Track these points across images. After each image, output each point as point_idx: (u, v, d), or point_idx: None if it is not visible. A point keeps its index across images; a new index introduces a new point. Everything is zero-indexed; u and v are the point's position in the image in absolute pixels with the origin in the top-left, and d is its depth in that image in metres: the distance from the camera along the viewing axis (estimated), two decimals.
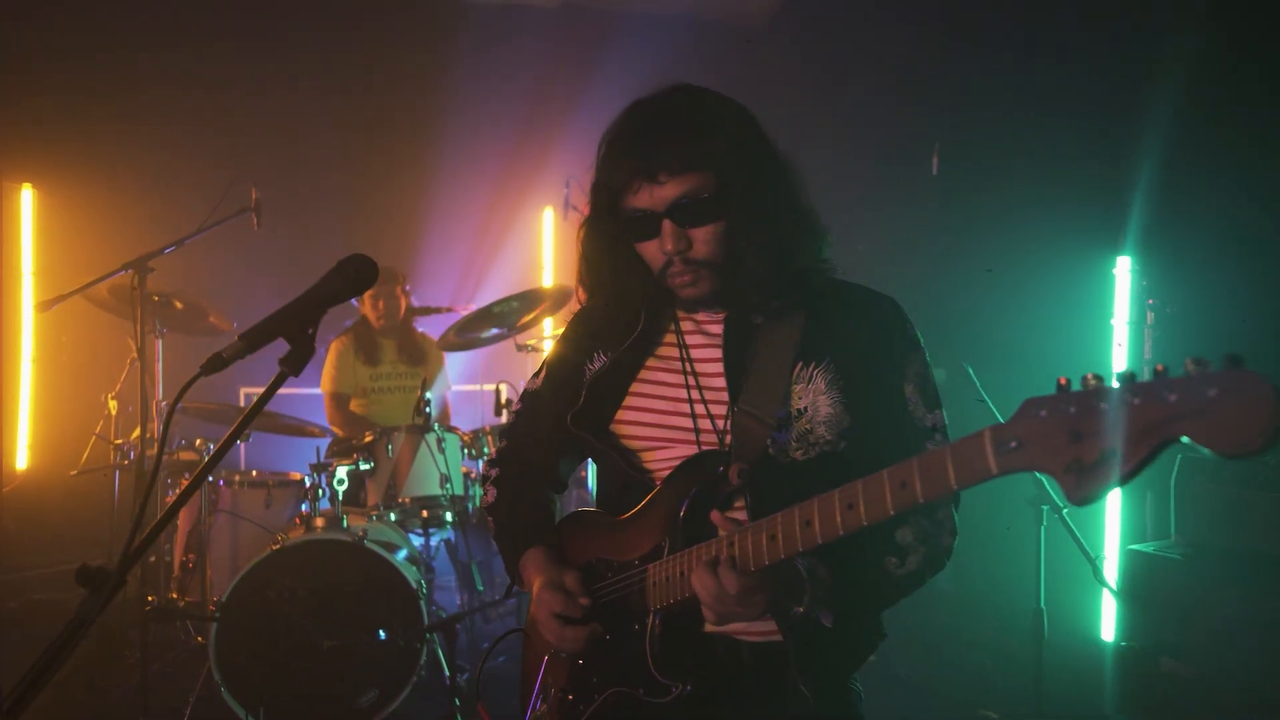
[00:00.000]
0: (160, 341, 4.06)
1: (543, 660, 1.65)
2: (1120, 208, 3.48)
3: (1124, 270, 3.48)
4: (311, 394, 5.05)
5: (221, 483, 4.03)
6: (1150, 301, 3.29)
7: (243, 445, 5.06)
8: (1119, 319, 3.47)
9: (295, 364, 1.39)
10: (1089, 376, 1.00)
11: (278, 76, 5.57)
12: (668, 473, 1.51)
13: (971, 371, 3.07)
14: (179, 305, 4.13)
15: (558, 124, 5.47)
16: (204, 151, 5.35)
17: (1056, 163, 3.97)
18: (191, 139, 5.46)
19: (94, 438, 4.37)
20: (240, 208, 3.82)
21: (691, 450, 1.51)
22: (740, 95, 1.55)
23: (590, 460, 1.84)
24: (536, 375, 1.80)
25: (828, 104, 5.08)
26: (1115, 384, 0.97)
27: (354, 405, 4.71)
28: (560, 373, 1.72)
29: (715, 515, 1.39)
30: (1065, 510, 3.01)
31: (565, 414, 1.62)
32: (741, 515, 1.43)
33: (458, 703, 3.41)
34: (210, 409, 4.34)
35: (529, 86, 5.79)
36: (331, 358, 4.71)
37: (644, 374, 1.61)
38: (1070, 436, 0.99)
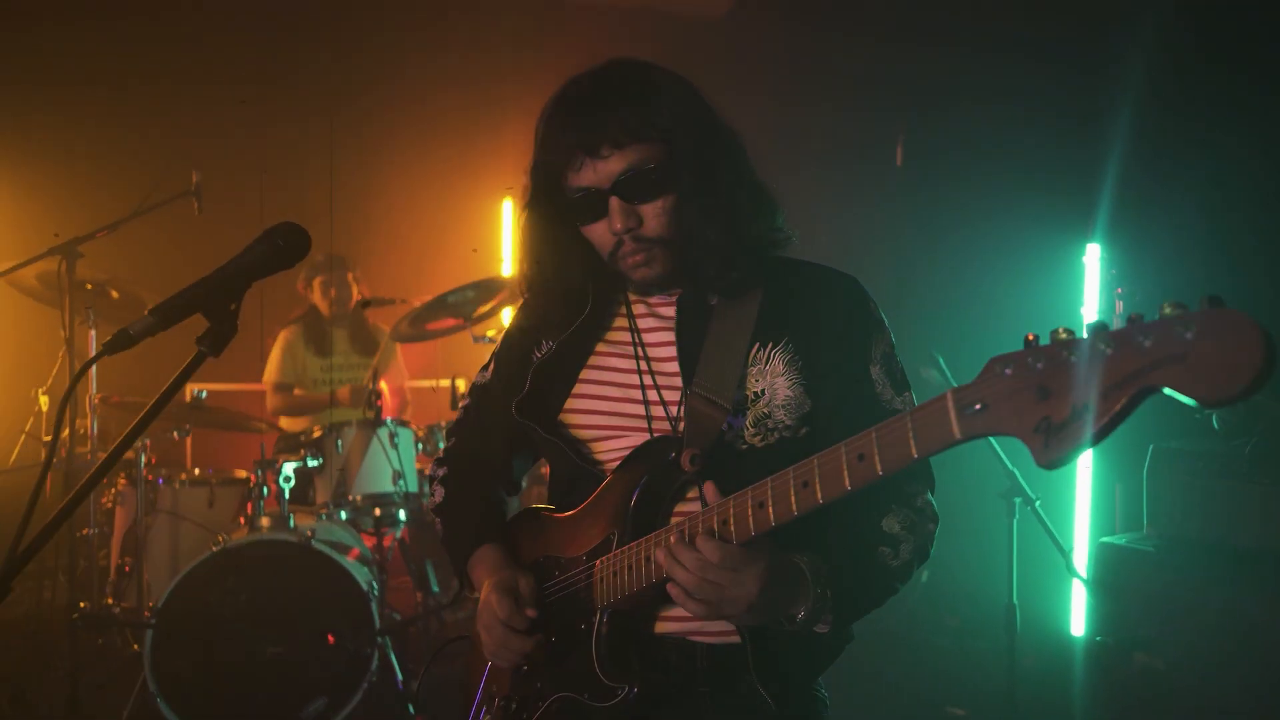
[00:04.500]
0: (93, 333, 3.84)
1: (486, 666, 1.56)
2: (1089, 195, 3.45)
3: (1093, 259, 3.44)
4: (255, 390, 4.86)
5: (161, 481, 3.84)
6: (1119, 290, 3.26)
7: (188, 441, 4.84)
8: (1088, 308, 3.44)
9: (215, 344, 1.25)
10: (1059, 330, 0.93)
11: (223, 54, 5.35)
12: (619, 463, 1.42)
13: (942, 361, 3.00)
14: (114, 294, 3.92)
15: (516, 111, 5.33)
16: (141, 132, 5.10)
17: (1024, 150, 3.94)
18: (127, 118, 5.20)
19: (24, 435, 4.16)
20: (181, 191, 3.63)
21: (644, 439, 1.42)
22: (701, 87, 1.47)
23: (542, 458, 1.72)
24: (485, 369, 1.69)
25: (789, 95, 5.02)
26: (1085, 335, 0.90)
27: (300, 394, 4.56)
28: (508, 364, 1.62)
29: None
30: (1038, 503, 2.95)
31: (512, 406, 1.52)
32: (696, 505, 1.34)
33: (411, 709, 3.28)
34: (146, 405, 4.13)
35: (486, 73, 5.65)
36: (278, 348, 4.54)
37: (594, 360, 1.52)
38: (1038, 394, 0.92)
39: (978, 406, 0.97)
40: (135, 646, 3.73)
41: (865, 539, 1.35)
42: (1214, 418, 2.66)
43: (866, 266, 1.49)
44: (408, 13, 5.52)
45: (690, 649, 1.39)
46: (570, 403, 1.51)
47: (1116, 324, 0.87)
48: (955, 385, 1.01)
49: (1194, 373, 0.83)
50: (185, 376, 1.25)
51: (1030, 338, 0.95)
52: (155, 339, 1.20)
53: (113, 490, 3.99)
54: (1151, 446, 2.81)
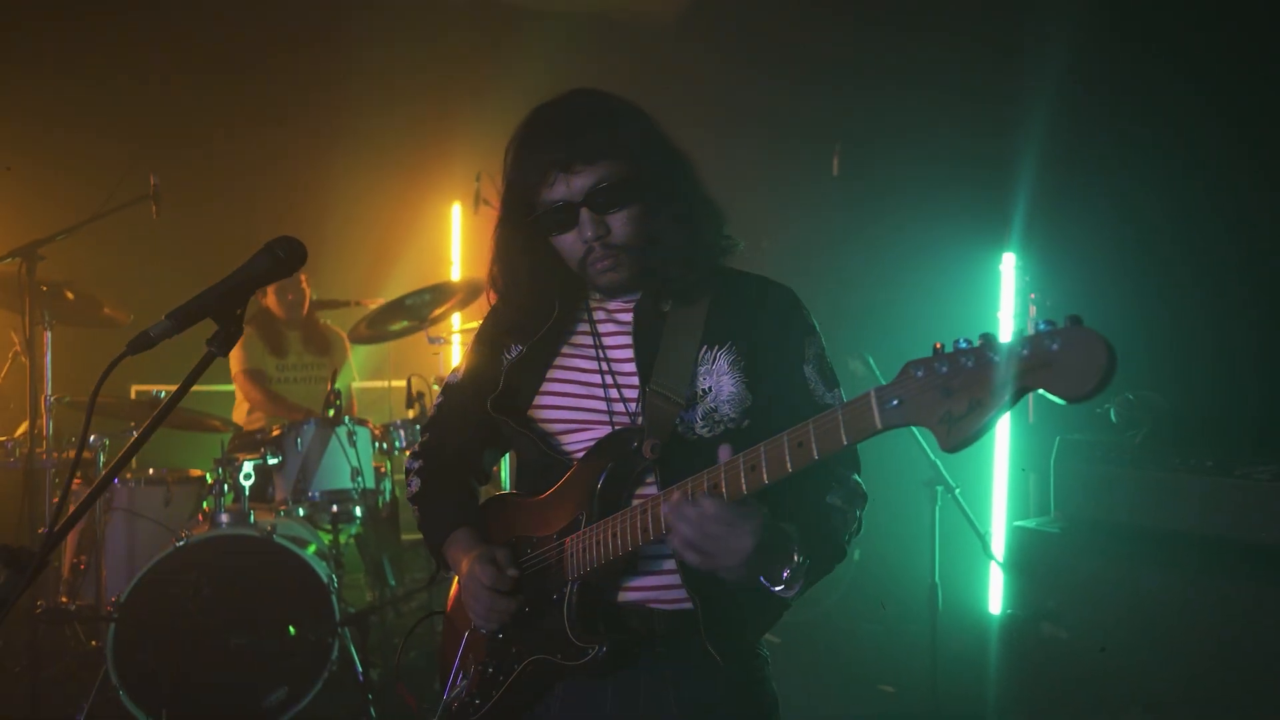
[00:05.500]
0: (49, 334, 3.87)
1: (463, 638, 1.71)
2: (1007, 204, 3.70)
3: (1009, 266, 3.70)
4: (208, 390, 4.90)
5: (117, 480, 3.87)
6: (1032, 296, 3.52)
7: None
8: (1004, 312, 3.70)
9: (223, 344, 1.39)
10: (959, 340, 1.15)
11: (179, 60, 5.37)
12: (584, 453, 1.59)
13: (872, 361, 3.24)
14: (70, 296, 3.94)
15: (466, 118, 5.43)
16: (99, 136, 5.10)
17: (948, 164, 4.17)
18: (86, 123, 5.20)
19: None
20: (138, 195, 3.68)
21: (606, 431, 1.60)
22: (646, 93, 1.65)
23: (510, 450, 1.89)
24: (457, 370, 1.85)
25: (733, 103, 5.15)
26: (979, 344, 1.13)
27: None
28: (479, 364, 1.78)
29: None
30: (958, 490, 3.20)
31: (486, 402, 1.68)
32: (653, 489, 1.52)
33: (370, 697, 3.38)
34: (100, 403, 4.16)
35: (437, 80, 5.74)
36: (239, 344, 4.57)
37: (559, 361, 1.68)
38: (943, 392, 1.14)
39: (895, 402, 1.19)
40: (94, 643, 3.78)
41: (819, 511, 1.54)
42: (1111, 411, 2.94)
43: (803, 271, 1.69)
44: (361, 21, 5.59)
45: (649, 614, 1.56)
46: (539, 399, 1.67)
47: (1030, 327, 1.10)
48: (882, 382, 1.22)
49: (1058, 376, 1.06)
50: (197, 374, 1.38)
51: (938, 346, 1.17)
52: (99, 343, 1.31)
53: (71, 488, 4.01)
54: (1058, 438, 3.08)
